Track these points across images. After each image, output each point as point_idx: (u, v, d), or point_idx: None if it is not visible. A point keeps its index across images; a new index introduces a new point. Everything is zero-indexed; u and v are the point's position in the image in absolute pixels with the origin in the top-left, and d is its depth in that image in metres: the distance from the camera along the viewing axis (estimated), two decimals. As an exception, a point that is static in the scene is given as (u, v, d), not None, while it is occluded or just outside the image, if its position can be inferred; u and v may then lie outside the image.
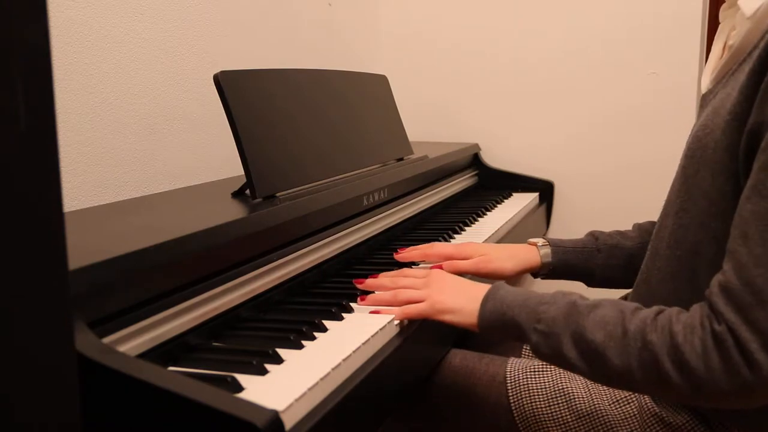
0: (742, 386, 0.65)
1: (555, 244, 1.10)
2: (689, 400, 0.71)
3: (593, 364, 0.74)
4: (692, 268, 0.78)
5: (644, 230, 1.10)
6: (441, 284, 0.91)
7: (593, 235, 1.12)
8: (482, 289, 0.87)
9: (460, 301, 0.87)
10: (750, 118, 0.70)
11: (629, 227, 1.14)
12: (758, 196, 0.66)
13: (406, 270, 0.99)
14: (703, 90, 0.88)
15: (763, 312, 0.64)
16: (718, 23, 0.89)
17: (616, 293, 1.14)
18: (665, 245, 0.83)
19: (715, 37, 0.89)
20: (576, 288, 1.16)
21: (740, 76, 0.74)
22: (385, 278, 0.96)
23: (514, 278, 1.10)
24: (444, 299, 0.87)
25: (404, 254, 1.10)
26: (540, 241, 1.11)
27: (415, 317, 0.88)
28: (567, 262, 1.09)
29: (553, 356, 0.78)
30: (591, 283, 1.12)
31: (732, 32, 0.83)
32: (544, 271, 1.11)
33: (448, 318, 0.87)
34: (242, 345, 0.80)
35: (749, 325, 0.64)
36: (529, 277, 1.16)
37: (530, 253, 1.10)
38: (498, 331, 0.84)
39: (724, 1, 0.87)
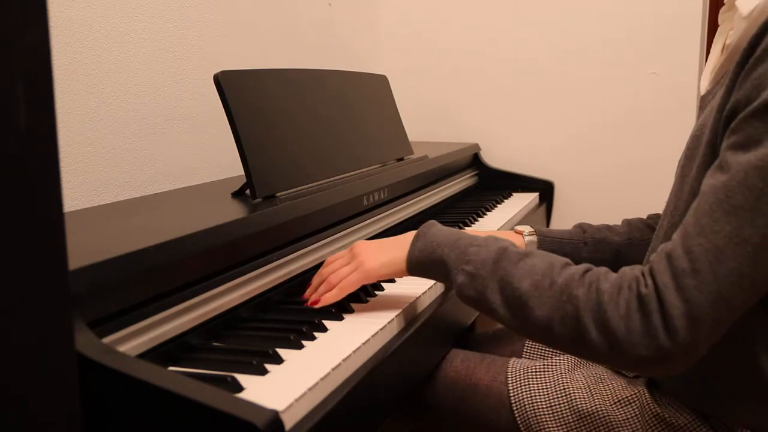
0: (657, 351, 0.66)
1: (541, 234, 1.11)
2: (604, 359, 0.70)
3: (515, 311, 0.74)
4: None
5: (633, 226, 1.11)
6: (367, 248, 0.91)
7: (581, 228, 1.12)
8: (410, 235, 0.88)
9: (388, 253, 0.88)
10: (726, 105, 0.70)
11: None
12: (720, 172, 0.67)
13: (328, 258, 0.98)
14: (703, 91, 0.88)
15: (694, 281, 0.64)
16: (718, 25, 0.89)
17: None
18: (660, 245, 0.84)
19: (714, 39, 0.89)
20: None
21: None
22: (315, 278, 0.96)
23: None
24: (371, 260, 0.89)
25: None
26: (526, 229, 1.11)
27: (352, 289, 0.89)
28: (552, 253, 1.09)
29: (476, 299, 0.78)
30: None
31: (730, 32, 0.83)
32: None
33: (382, 273, 0.88)
34: (242, 345, 0.80)
35: (678, 291, 0.65)
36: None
37: (515, 240, 1.10)
38: (425, 270, 0.84)
39: (724, 3, 0.87)
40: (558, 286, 0.72)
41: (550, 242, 1.10)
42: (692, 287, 0.64)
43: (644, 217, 1.13)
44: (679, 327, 0.64)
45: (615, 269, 1.09)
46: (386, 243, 0.91)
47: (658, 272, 0.67)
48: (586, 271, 0.73)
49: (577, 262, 1.09)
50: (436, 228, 0.86)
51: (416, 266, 0.85)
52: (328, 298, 0.89)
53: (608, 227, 1.12)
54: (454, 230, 0.85)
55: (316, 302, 0.89)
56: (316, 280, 0.95)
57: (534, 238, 1.10)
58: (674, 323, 0.64)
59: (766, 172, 0.64)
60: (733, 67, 0.72)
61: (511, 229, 1.14)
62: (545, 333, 0.73)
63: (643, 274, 0.69)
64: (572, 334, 0.70)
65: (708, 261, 0.64)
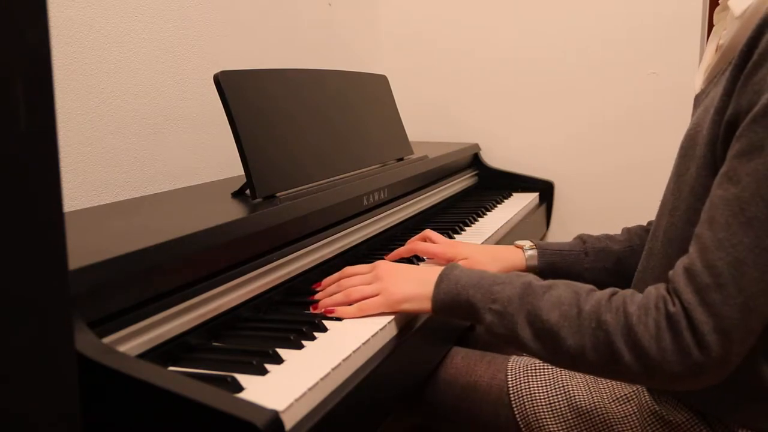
0: (691, 367, 0.66)
1: (541, 247, 1.10)
2: (640, 380, 0.71)
3: (547, 343, 0.75)
4: None
5: (633, 234, 1.11)
6: (392, 274, 0.89)
7: (581, 239, 1.12)
8: (435, 271, 0.87)
9: (415, 287, 0.87)
10: (728, 110, 0.71)
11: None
12: (729, 183, 0.68)
13: (348, 269, 0.96)
14: (696, 90, 0.88)
15: (720, 295, 0.65)
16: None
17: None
18: (659, 244, 0.84)
19: (709, 39, 0.89)
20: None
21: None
22: (331, 286, 0.94)
23: None
24: (397, 289, 0.87)
25: (392, 255, 1.11)
26: (527, 243, 1.11)
27: (373, 312, 0.87)
28: (553, 265, 1.09)
29: (507, 336, 0.78)
30: None
31: (723, 32, 0.83)
32: None
33: (405, 307, 0.87)
34: (242, 345, 0.80)
35: (705, 306, 0.65)
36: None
37: (515, 255, 1.10)
38: (452, 312, 0.84)
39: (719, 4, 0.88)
40: (586, 314, 0.72)
41: (550, 255, 1.09)
42: (718, 302, 0.65)
43: (644, 223, 1.13)
44: (711, 342, 0.65)
45: (616, 277, 1.09)
46: (411, 273, 0.90)
47: (681, 290, 0.67)
48: (612, 295, 0.73)
49: (579, 272, 1.11)
50: (458, 269, 0.85)
51: (442, 308, 0.84)
52: (346, 313, 0.87)
53: (608, 236, 1.12)
54: (476, 270, 0.85)
55: (331, 312, 0.88)
56: (332, 287, 0.93)
57: (534, 252, 1.10)
58: (706, 339, 0.65)
59: None
60: (730, 69, 0.72)
61: (512, 243, 1.14)
62: (578, 361, 0.73)
63: (668, 292, 0.69)
64: (605, 359, 0.71)
65: (731, 274, 0.65)
